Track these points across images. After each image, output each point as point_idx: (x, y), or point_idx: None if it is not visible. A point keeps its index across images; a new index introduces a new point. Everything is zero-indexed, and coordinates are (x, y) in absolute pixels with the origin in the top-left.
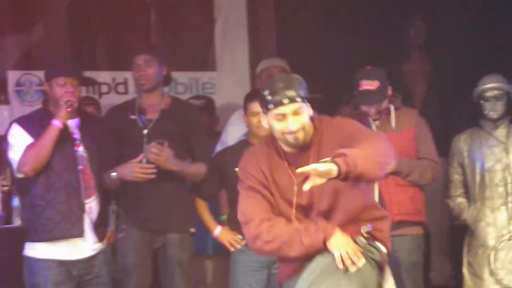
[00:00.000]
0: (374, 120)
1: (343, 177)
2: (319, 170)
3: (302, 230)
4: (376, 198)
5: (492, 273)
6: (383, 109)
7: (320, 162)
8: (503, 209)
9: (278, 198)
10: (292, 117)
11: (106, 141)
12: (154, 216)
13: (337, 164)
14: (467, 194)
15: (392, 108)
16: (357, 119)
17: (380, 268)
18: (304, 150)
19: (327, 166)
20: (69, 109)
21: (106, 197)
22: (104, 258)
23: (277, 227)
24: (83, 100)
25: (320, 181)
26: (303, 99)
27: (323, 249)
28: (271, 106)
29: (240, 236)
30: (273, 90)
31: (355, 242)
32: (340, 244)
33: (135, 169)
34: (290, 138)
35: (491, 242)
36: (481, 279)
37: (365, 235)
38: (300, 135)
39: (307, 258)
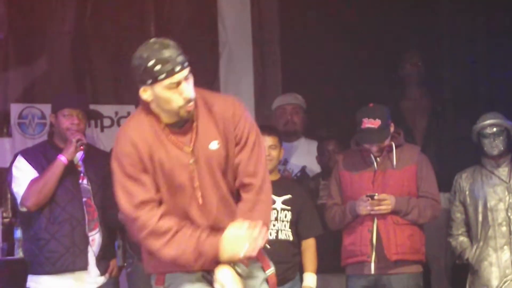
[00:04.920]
0: (376, 157)
1: None
2: None
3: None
4: (374, 237)
5: None
6: (385, 146)
7: None
8: (506, 248)
9: (163, 183)
10: (186, 84)
11: None
12: None
13: None
14: (469, 232)
15: (393, 145)
16: (359, 155)
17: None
18: (182, 125)
19: None
20: (82, 147)
21: (110, 231)
22: None
23: (180, 235)
24: None
25: None
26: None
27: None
28: (162, 76)
29: None
30: (161, 59)
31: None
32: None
33: None
34: (183, 111)
35: (494, 282)
36: None
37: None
38: (193, 107)
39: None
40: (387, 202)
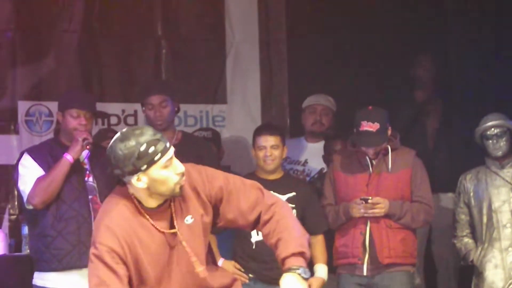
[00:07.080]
0: (372, 159)
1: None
2: None
3: None
4: (367, 240)
5: None
6: (381, 149)
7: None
8: (511, 250)
9: (148, 265)
10: (175, 159)
11: None
12: None
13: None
14: (474, 234)
15: (389, 148)
16: (355, 157)
17: None
18: (161, 206)
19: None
20: (88, 146)
21: None
22: None
23: None
24: (106, 132)
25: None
26: None
27: None
28: (157, 156)
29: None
30: (152, 140)
31: None
32: None
33: None
34: (178, 187)
35: (499, 284)
36: None
37: None
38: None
39: None
40: (381, 206)
